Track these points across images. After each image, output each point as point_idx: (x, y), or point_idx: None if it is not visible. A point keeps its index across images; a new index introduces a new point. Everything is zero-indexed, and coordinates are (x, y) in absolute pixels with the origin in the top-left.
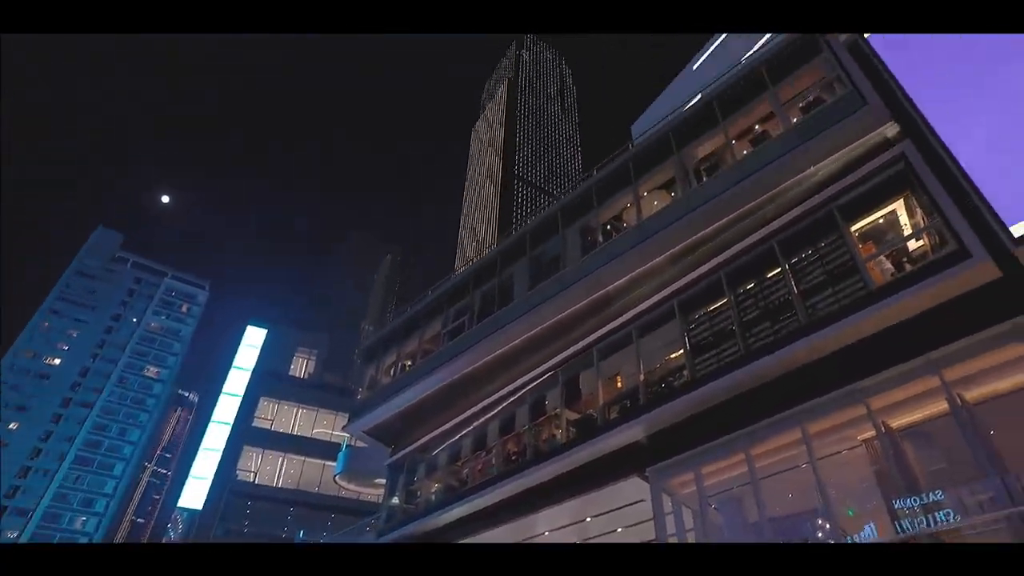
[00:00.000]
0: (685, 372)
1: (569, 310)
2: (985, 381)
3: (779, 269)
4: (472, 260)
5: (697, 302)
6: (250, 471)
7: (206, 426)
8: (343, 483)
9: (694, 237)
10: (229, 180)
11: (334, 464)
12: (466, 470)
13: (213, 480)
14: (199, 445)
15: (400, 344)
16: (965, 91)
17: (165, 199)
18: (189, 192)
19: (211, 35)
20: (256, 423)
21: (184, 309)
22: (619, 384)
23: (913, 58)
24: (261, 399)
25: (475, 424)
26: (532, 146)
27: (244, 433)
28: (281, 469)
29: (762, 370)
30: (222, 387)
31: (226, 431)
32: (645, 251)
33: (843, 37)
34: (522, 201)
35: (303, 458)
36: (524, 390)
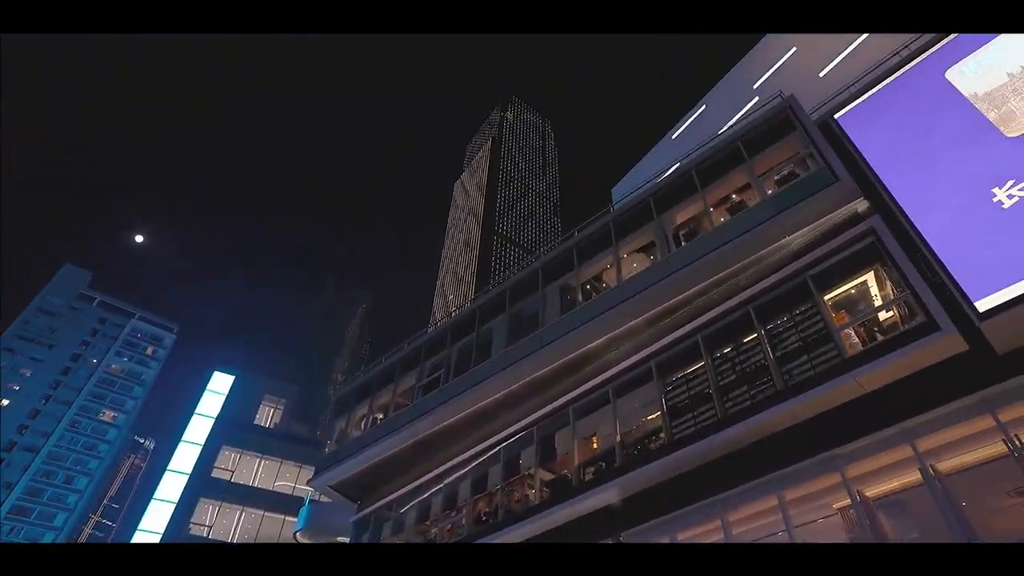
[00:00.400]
0: (662, 435)
1: (547, 368)
2: (956, 452)
3: (755, 335)
4: (449, 314)
5: (675, 364)
6: (204, 525)
7: (161, 475)
8: (303, 540)
9: (672, 300)
10: (205, 223)
11: (295, 519)
12: (435, 529)
13: (164, 534)
14: (151, 495)
15: (373, 396)
16: (930, 169)
17: (139, 238)
18: (164, 233)
19: (199, 65)
20: (215, 473)
21: (149, 351)
22: (595, 445)
23: (881, 137)
24: (223, 448)
25: (447, 481)
26: (512, 203)
27: (201, 484)
28: (238, 524)
29: (739, 435)
30: (182, 434)
31: (182, 481)
32: (624, 312)
33: (815, 116)
34: (500, 256)
35: (262, 512)
36: (498, 448)
